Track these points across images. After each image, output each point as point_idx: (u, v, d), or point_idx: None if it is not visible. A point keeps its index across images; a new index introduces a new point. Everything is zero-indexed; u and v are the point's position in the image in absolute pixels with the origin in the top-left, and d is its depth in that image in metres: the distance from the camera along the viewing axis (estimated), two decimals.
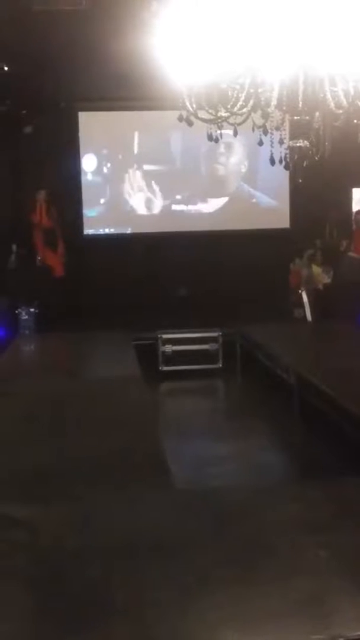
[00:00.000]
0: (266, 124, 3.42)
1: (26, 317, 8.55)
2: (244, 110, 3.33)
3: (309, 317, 8.92)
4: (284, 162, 3.72)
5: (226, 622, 1.97)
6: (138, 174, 10.05)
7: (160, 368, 8.24)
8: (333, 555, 2.32)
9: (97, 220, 10.00)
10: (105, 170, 9.92)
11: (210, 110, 3.49)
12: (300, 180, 3.84)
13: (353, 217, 9.67)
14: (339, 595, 2.07)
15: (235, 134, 3.41)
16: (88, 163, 9.86)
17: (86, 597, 2.11)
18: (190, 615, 1.99)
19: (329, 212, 9.74)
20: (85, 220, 9.93)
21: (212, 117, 3.50)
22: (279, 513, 2.72)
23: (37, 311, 8.61)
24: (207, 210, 10.18)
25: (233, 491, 3.44)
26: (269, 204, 10.16)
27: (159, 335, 8.34)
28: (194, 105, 3.50)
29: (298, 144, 3.60)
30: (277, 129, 3.51)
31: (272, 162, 3.64)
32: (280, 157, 3.67)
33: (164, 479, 3.25)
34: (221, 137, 3.62)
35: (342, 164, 8.00)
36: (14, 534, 2.53)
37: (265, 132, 3.43)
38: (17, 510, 2.72)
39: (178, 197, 10.17)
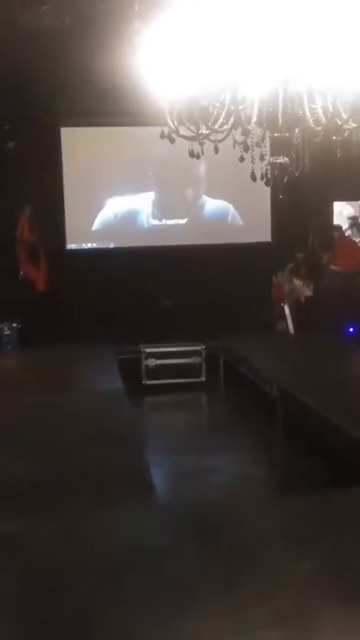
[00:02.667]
0: (247, 141, 3.47)
1: (8, 332, 8.51)
2: (225, 127, 3.38)
3: (291, 330, 8.97)
4: (265, 178, 3.77)
5: (212, 634, 1.97)
6: (120, 189, 10.08)
7: (143, 382, 8.25)
8: (316, 567, 2.34)
9: (79, 234, 10.01)
10: (87, 185, 9.94)
11: (191, 127, 3.53)
12: (281, 196, 3.90)
13: (334, 231, 9.77)
14: (323, 607, 2.09)
15: (217, 151, 3.45)
16: (70, 178, 9.88)
17: (71, 612, 2.11)
18: (175, 628, 2.00)
19: (310, 226, 9.83)
20: (67, 234, 9.94)
21: (193, 135, 3.54)
22: (263, 526, 2.73)
23: (19, 326, 8.59)
24: (189, 224, 10.22)
25: (217, 505, 3.45)
26: (250, 219, 10.22)
27: (142, 349, 8.35)
28: (176, 122, 3.54)
29: (278, 160, 3.66)
30: (258, 145, 3.56)
31: (254, 178, 3.69)
32: (262, 173, 3.72)
33: (147, 493, 3.26)
34: (202, 154, 3.66)
35: (322, 178, 8.11)
36: None
37: (246, 149, 3.48)
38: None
39: (161, 211, 10.21)
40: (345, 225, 10.04)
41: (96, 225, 10.07)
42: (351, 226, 10.12)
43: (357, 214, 10.28)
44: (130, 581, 2.27)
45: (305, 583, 2.25)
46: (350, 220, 10.19)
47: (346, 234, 9.85)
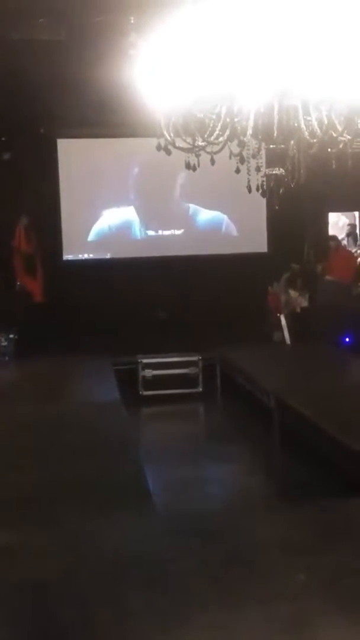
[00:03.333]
0: (243, 153, 3.49)
1: (5, 343, 8.50)
2: (221, 139, 3.41)
3: (287, 340, 8.98)
4: (260, 189, 3.80)
5: None
6: (116, 200, 10.12)
7: (140, 392, 8.24)
8: (314, 577, 2.34)
9: (76, 245, 10.03)
10: (84, 196, 9.97)
11: (187, 139, 3.56)
12: (277, 207, 3.93)
13: (330, 241, 9.80)
14: (321, 616, 2.09)
15: (213, 162, 3.48)
16: (67, 189, 9.91)
17: (68, 622, 2.10)
18: (173, 637, 2.00)
19: (305, 237, 9.87)
20: (64, 245, 9.96)
21: (189, 146, 3.57)
22: (260, 535, 2.74)
23: (16, 337, 8.58)
24: (185, 235, 10.26)
25: (214, 515, 3.45)
26: (246, 230, 10.26)
27: (139, 360, 8.35)
28: (172, 134, 3.57)
29: (274, 172, 3.69)
30: (254, 157, 3.58)
31: (250, 189, 3.71)
32: (257, 185, 3.75)
33: (144, 503, 3.26)
34: (199, 165, 3.69)
35: (318, 190, 8.16)
36: None
37: (242, 161, 3.50)
38: None
39: (157, 222, 10.25)
40: (342, 235, 10.09)
41: (92, 236, 10.10)
42: (347, 235, 10.17)
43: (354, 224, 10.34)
44: (128, 591, 2.27)
45: (303, 592, 2.25)
46: (348, 227, 10.23)
47: (342, 244, 9.89)
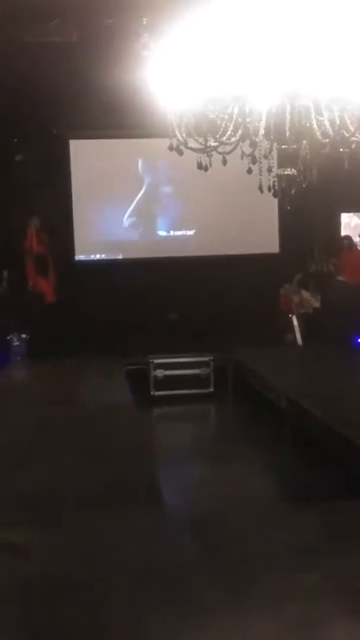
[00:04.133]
0: (254, 153, 3.49)
1: (17, 343, 8.53)
2: (233, 139, 3.40)
3: (299, 341, 8.96)
4: (272, 190, 3.79)
5: None
6: (128, 200, 10.13)
7: (152, 393, 8.24)
8: (325, 578, 2.33)
9: (88, 246, 10.05)
10: (95, 196, 9.99)
11: (199, 140, 3.56)
12: (288, 207, 3.92)
13: (341, 242, 9.76)
14: (331, 618, 2.08)
15: (225, 163, 3.47)
16: (79, 189, 9.94)
17: (78, 622, 2.11)
18: (181, 638, 2.00)
19: (317, 237, 9.83)
20: (76, 246, 9.98)
21: (201, 147, 3.57)
22: (271, 537, 2.73)
23: (28, 337, 8.61)
24: (197, 235, 10.25)
25: (225, 516, 3.45)
26: (258, 230, 10.24)
27: (150, 360, 8.35)
28: (184, 135, 3.57)
29: (286, 172, 3.68)
30: (266, 157, 3.58)
31: (261, 189, 3.71)
32: (269, 185, 3.74)
33: (155, 504, 3.26)
34: (210, 166, 3.69)
35: (329, 190, 8.12)
36: (6, 560, 2.52)
37: (254, 161, 3.50)
38: (8, 536, 2.72)
39: (168, 223, 10.25)
40: (355, 237, 10.02)
41: (104, 236, 10.11)
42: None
43: None
44: (138, 592, 2.27)
45: (313, 594, 2.24)
46: None
47: (356, 245, 9.83)
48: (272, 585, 2.32)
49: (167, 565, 2.48)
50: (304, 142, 3.62)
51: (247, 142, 3.47)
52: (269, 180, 3.74)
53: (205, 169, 3.67)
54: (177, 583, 2.35)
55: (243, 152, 3.57)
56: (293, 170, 3.72)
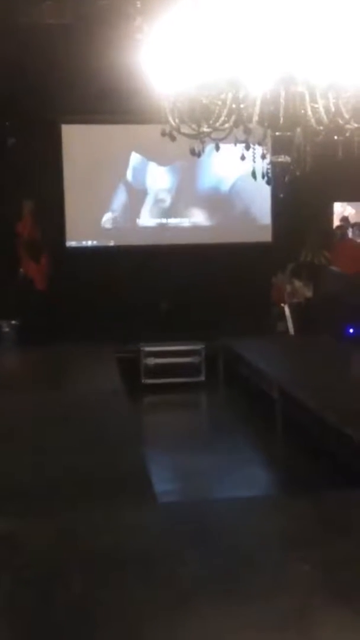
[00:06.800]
0: (248, 139, 3.45)
1: (7, 329, 8.49)
2: (226, 125, 3.36)
3: (291, 330, 8.95)
4: (266, 177, 3.75)
5: (210, 637, 1.96)
6: (121, 186, 10.07)
7: (142, 381, 8.22)
8: (316, 569, 2.32)
9: (79, 232, 9.99)
10: (88, 182, 9.92)
11: (192, 126, 3.52)
12: (281, 195, 3.89)
13: (334, 231, 9.74)
14: (324, 609, 2.07)
15: (218, 149, 3.43)
16: (71, 175, 9.86)
17: (68, 613, 2.09)
18: (174, 630, 1.98)
19: (310, 226, 9.80)
20: (67, 232, 9.92)
21: (194, 133, 3.52)
22: (262, 527, 2.71)
23: (18, 324, 8.56)
24: (189, 223, 10.21)
25: (216, 505, 3.43)
26: (250, 219, 10.20)
27: (141, 348, 8.33)
28: (177, 120, 3.52)
29: (280, 159, 3.65)
30: (259, 144, 3.54)
31: (254, 176, 3.67)
32: (263, 172, 3.70)
33: (146, 493, 3.24)
34: (204, 152, 3.65)
35: (323, 178, 8.08)
36: None
37: (248, 147, 3.46)
38: None
39: (161, 210, 10.20)
40: (348, 227, 9.99)
41: (96, 223, 10.05)
42: (352, 226, 10.08)
43: (356, 215, 10.25)
44: (129, 583, 2.26)
45: (305, 585, 2.23)
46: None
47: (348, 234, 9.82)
48: (264, 575, 2.31)
49: (156, 555, 2.47)
50: (298, 129, 3.59)
51: (241, 128, 3.43)
52: (262, 167, 3.70)
53: (199, 155, 3.63)
54: (166, 574, 2.33)
55: (237, 139, 3.53)
56: (287, 157, 3.68)
